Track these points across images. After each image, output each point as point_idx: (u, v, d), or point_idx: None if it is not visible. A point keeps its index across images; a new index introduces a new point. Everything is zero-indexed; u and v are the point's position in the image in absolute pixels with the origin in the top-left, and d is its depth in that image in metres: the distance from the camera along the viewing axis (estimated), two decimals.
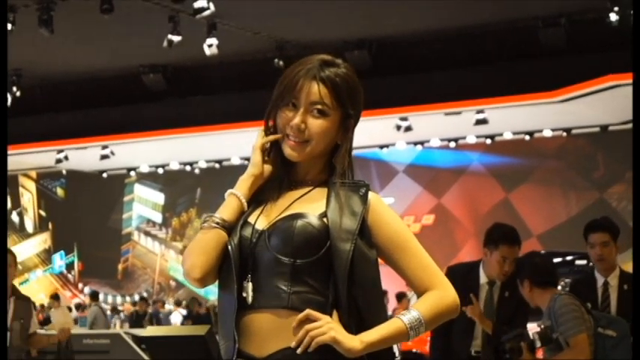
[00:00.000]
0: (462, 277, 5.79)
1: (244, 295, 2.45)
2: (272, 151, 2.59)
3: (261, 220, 2.51)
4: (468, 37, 16.16)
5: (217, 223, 2.50)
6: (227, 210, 2.53)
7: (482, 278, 5.82)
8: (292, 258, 2.42)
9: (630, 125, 17.86)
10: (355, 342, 2.37)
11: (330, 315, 2.41)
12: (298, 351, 2.35)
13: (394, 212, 2.58)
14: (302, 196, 2.54)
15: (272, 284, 2.43)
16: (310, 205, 2.50)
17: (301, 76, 2.51)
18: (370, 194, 2.53)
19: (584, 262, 12.59)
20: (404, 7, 14.67)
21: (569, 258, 14.81)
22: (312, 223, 2.44)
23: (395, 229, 2.53)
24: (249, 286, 2.45)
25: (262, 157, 2.58)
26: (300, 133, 2.50)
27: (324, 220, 2.46)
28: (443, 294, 2.50)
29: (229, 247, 2.47)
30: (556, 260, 15.32)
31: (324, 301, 2.43)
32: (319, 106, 2.50)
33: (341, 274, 2.42)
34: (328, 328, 2.35)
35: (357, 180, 2.55)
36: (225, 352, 2.48)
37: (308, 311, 2.37)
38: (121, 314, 21.42)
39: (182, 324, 18.83)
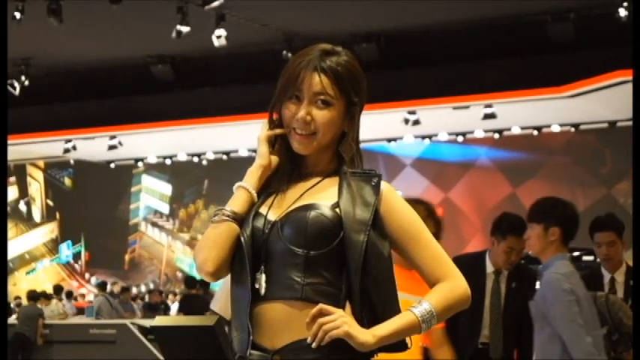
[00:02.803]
0: (468, 267, 5.79)
1: (257, 286, 2.44)
2: (277, 143, 2.59)
3: (272, 211, 2.50)
4: (476, 31, 16.13)
5: (228, 216, 2.49)
6: (237, 202, 2.52)
7: (489, 267, 5.84)
8: (306, 249, 2.42)
9: None
10: (368, 336, 2.37)
11: (343, 307, 2.42)
12: (313, 345, 2.34)
13: (406, 202, 2.57)
14: (312, 186, 2.53)
15: (285, 275, 2.43)
16: (321, 196, 2.50)
17: (302, 68, 2.50)
18: (382, 184, 2.52)
19: (590, 257, 12.58)
20: (413, 0, 14.66)
21: (576, 254, 14.80)
22: (325, 214, 2.44)
23: (408, 219, 2.53)
24: (262, 277, 2.44)
25: (269, 149, 2.58)
26: (306, 126, 2.49)
27: (337, 210, 2.45)
28: (454, 285, 2.50)
29: (242, 238, 2.47)
30: None
31: (337, 292, 2.43)
32: (323, 97, 2.49)
33: (354, 266, 2.42)
34: (342, 322, 2.34)
35: (369, 170, 2.55)
36: (239, 344, 2.47)
37: (321, 305, 2.36)
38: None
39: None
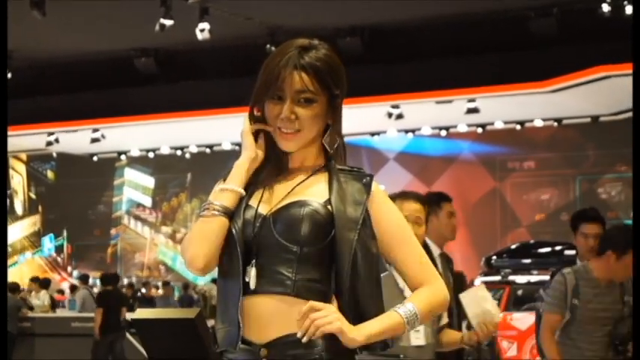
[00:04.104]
0: None
1: (247, 279, 2.44)
2: (259, 137, 2.57)
3: (262, 205, 2.49)
4: (460, 25, 16.16)
5: (219, 211, 2.47)
6: (226, 197, 2.50)
7: (435, 250, 5.85)
8: (299, 245, 2.42)
9: (621, 116, 17.91)
10: (357, 333, 2.39)
11: (331, 303, 2.43)
12: (303, 339, 2.35)
13: (394, 204, 2.59)
14: (302, 182, 2.52)
15: (276, 270, 2.43)
16: (312, 192, 2.50)
17: (282, 67, 2.48)
18: (373, 184, 2.53)
19: (572, 252, 12.61)
20: None
21: (557, 248, 14.85)
22: (319, 210, 2.44)
23: (395, 222, 2.55)
24: (253, 271, 2.44)
25: (254, 141, 2.56)
26: (291, 124, 2.48)
27: (329, 207, 2.46)
28: (436, 289, 2.54)
29: (233, 230, 2.46)
30: (544, 250, 15.40)
31: (326, 289, 2.45)
32: (305, 95, 2.48)
33: (344, 263, 2.43)
34: (334, 318, 2.36)
35: (359, 168, 2.56)
36: (227, 337, 2.47)
37: (312, 303, 2.36)
38: None
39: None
